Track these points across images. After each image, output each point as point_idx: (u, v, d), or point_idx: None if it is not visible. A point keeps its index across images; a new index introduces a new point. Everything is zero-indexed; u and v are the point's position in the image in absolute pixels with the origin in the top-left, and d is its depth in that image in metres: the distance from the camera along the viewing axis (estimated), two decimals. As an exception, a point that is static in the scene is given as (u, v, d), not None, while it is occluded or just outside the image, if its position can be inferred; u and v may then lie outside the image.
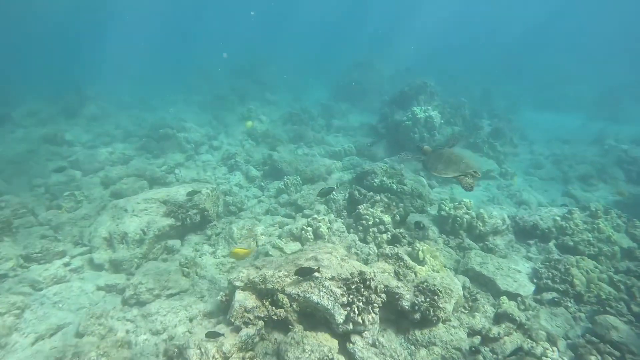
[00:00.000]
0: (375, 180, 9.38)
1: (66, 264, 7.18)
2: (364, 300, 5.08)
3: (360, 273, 5.31)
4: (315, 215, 7.71)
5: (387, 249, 6.15)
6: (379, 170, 9.54)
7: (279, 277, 5.23)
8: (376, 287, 5.20)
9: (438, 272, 6.39)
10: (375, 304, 5.12)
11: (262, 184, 10.45)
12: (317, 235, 7.38)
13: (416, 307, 5.52)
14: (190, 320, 5.75)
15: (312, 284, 5.14)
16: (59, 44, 40.04)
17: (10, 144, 13.11)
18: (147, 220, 7.53)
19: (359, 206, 7.89)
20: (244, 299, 5.10)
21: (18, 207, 8.36)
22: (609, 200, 12.10)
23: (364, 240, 7.64)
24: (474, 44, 38.43)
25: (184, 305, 6.10)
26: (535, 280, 6.95)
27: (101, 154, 11.40)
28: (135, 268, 7.02)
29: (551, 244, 8.24)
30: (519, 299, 6.62)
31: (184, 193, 8.12)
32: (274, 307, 5.12)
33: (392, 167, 9.79)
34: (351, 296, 5.04)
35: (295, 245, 7.26)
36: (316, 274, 5.16)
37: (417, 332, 5.59)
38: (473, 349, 5.48)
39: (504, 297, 6.51)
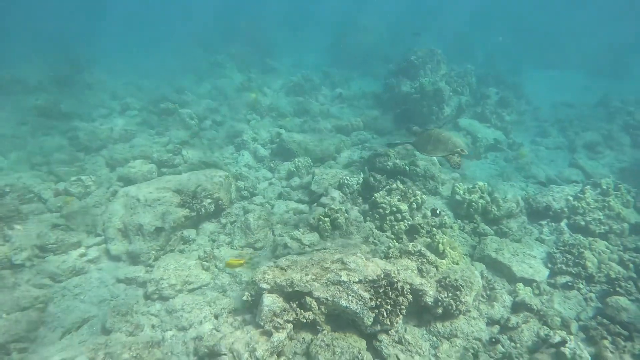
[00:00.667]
0: (388, 163, 9.09)
1: (82, 255, 6.99)
2: (392, 302, 5.03)
3: (387, 275, 5.22)
4: (332, 205, 7.48)
5: (410, 246, 6.03)
6: (392, 153, 9.20)
7: (307, 281, 5.10)
8: (403, 288, 5.13)
9: (457, 263, 6.35)
10: (402, 306, 5.08)
11: (272, 164, 10.08)
12: (335, 226, 7.19)
13: (439, 303, 5.52)
14: (216, 317, 5.69)
15: (341, 288, 5.04)
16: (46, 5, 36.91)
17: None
18: (162, 212, 7.26)
19: (375, 194, 7.66)
20: (272, 303, 5.00)
21: (24, 191, 7.99)
22: (615, 168, 12.04)
23: (380, 229, 7.49)
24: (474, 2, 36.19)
25: (207, 301, 6.02)
26: (549, 265, 6.96)
27: (102, 131, 10.80)
28: (153, 260, 6.88)
29: (563, 223, 8.22)
30: (534, 284, 6.65)
31: (196, 181, 7.79)
32: (302, 310, 5.05)
33: (404, 147, 9.44)
34: (379, 299, 4.98)
35: (314, 236, 7.09)
36: (344, 277, 5.05)
37: (439, 325, 5.63)
38: (493, 339, 5.56)
39: (520, 284, 6.54)
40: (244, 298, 5.43)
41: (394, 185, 7.77)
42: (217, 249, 7.16)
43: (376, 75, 21.58)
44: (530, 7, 29.88)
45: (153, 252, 6.89)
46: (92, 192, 8.28)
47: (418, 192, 7.68)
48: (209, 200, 7.59)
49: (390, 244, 6.59)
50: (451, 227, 7.46)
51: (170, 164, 9.48)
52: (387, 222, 7.50)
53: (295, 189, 9.22)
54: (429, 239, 6.70)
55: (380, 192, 7.80)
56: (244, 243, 7.31)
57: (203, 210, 7.50)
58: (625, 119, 13.91)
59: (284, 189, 9.10)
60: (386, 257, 6.32)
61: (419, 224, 7.02)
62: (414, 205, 7.58)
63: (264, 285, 5.24)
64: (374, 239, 7.25)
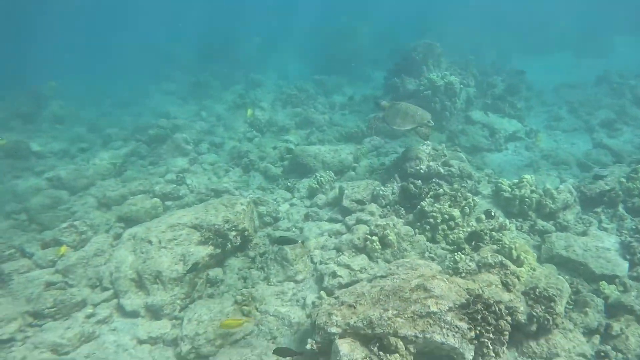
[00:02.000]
0: (421, 166, 8.46)
1: (90, 316, 5.99)
2: (493, 329, 4.30)
3: (478, 297, 4.49)
4: (379, 221, 6.75)
5: (489, 258, 5.33)
6: (424, 155, 8.59)
7: (389, 318, 4.30)
8: (501, 310, 4.42)
9: (535, 269, 5.70)
10: (505, 331, 4.35)
11: (289, 183, 9.28)
12: (385, 244, 6.47)
13: (534, 319, 4.82)
14: (274, 374, 4.79)
15: (431, 321, 4.27)
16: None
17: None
18: (181, 253, 6.33)
19: (422, 203, 6.98)
20: (351, 352, 4.17)
21: (2, 247, 6.88)
22: (636, 143, 11.86)
23: (432, 240, 6.83)
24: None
25: (257, 354, 5.13)
26: (627, 257, 6.40)
27: (87, 168, 9.73)
28: (178, 311, 5.92)
29: (620, 208, 7.75)
30: (617, 280, 6.07)
31: (214, 213, 6.91)
32: (386, 354, 4.24)
33: (434, 147, 8.86)
34: (478, 327, 4.24)
35: (362, 259, 6.35)
36: (433, 307, 4.29)
37: (533, 344, 4.93)
38: (602, 353, 4.92)
39: (604, 283, 5.94)
40: (308, 347, 4.57)
41: (441, 190, 7.12)
42: (253, 287, 6.26)
43: (366, 79, 21.29)
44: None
45: (178, 301, 5.94)
46: (90, 239, 7.23)
47: (469, 195, 7.05)
48: (234, 233, 6.71)
49: (456, 257, 5.88)
50: (509, 229, 6.83)
51: (175, 195, 8.55)
52: (440, 232, 6.85)
53: (323, 208, 8.45)
54: (496, 246, 6.04)
55: (427, 199, 7.13)
56: (283, 277, 6.44)
57: (229, 245, 6.61)
58: (634, 92, 13.91)
59: (310, 209, 8.30)
60: (456, 273, 5.61)
61: (481, 230, 6.35)
62: (467, 210, 6.94)
63: (334, 330, 4.42)
64: (430, 253, 6.58)
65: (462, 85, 12.22)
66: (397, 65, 13.93)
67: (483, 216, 6.95)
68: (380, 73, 22.09)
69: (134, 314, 6.00)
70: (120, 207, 8.04)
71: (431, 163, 8.58)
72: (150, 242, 6.53)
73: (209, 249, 6.47)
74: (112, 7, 44.42)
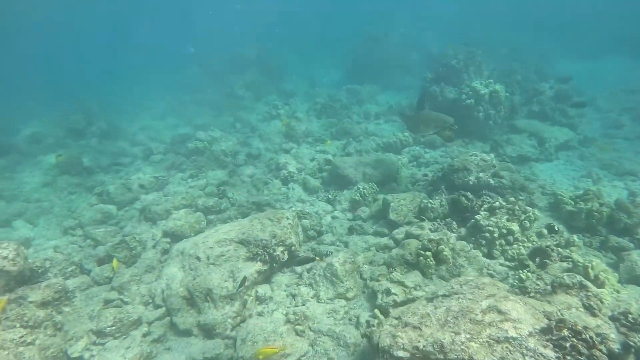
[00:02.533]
0: (470, 178, 8.15)
1: (146, 334, 6.00)
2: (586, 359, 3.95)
3: (561, 321, 4.16)
4: (431, 235, 6.49)
5: (566, 277, 4.96)
6: (472, 166, 8.28)
7: (462, 342, 4.04)
8: (592, 338, 4.06)
9: (619, 291, 5.27)
10: (599, 362, 3.99)
11: (330, 195, 9.16)
12: (440, 260, 6.18)
13: (631, 349, 4.40)
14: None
15: (511, 347, 3.97)
16: (42, 57, 37.63)
17: (21, 178, 11.63)
18: (230, 269, 6.29)
19: (477, 216, 6.68)
20: (424, 379, 3.93)
21: (65, 264, 7.08)
22: None
23: (488, 256, 6.50)
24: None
25: (316, 378, 4.95)
26: None
27: (132, 182, 9.99)
28: (230, 330, 5.84)
29: None
30: None
31: (260, 227, 6.85)
32: (461, 383, 3.98)
33: (483, 158, 8.52)
34: (569, 357, 3.90)
35: (416, 276, 6.10)
36: (512, 332, 4.00)
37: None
38: None
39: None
40: (372, 372, 4.35)
41: (497, 203, 6.78)
42: (304, 305, 6.11)
43: (398, 87, 21.05)
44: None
45: (229, 320, 5.87)
46: (140, 254, 7.34)
47: (528, 208, 6.67)
48: (281, 248, 6.63)
49: (522, 275, 5.52)
50: (577, 245, 6.39)
51: (217, 209, 8.59)
52: (497, 247, 6.51)
53: (367, 220, 8.26)
54: (566, 264, 5.65)
55: (481, 212, 6.81)
56: (333, 294, 6.27)
57: (277, 261, 6.52)
58: None
59: (354, 223, 8.12)
60: (524, 292, 5.26)
61: (547, 246, 5.97)
62: (526, 224, 6.56)
63: (401, 354, 4.19)
64: (488, 269, 6.25)
65: (507, 94, 11.79)
66: (435, 73, 13.65)
67: (545, 231, 6.55)
68: (412, 80, 21.89)
69: (187, 333, 5.97)
70: (165, 222, 8.15)
71: (480, 174, 8.25)
72: (198, 258, 6.54)
73: (257, 266, 6.41)
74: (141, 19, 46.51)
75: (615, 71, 19.32)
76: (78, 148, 13.22)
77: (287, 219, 7.05)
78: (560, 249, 6.07)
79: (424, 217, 7.52)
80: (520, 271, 5.63)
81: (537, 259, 5.98)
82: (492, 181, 8.12)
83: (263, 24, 35.69)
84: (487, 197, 7.24)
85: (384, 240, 7.46)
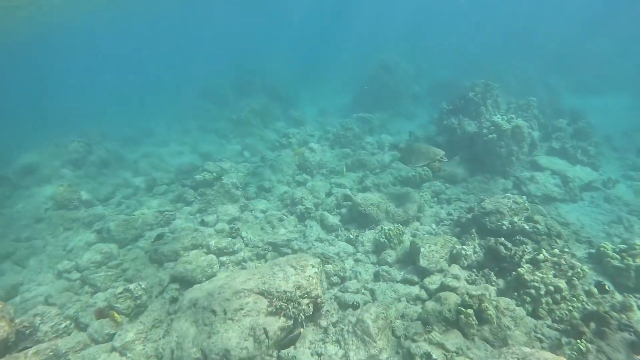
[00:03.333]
0: (504, 222, 7.72)
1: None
2: None
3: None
4: (471, 290, 5.98)
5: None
6: (506, 209, 7.86)
7: None
8: None
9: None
10: None
11: (351, 235, 8.67)
12: (482, 319, 5.65)
13: None
14: None
15: None
16: (36, 85, 37.74)
17: (11, 213, 11.02)
18: (250, 326, 5.70)
19: (520, 270, 6.20)
20: None
21: (58, 319, 6.45)
22: None
23: (533, 314, 5.99)
24: (482, 30, 37.11)
25: None
26: None
27: (135, 219, 9.44)
28: (251, 401, 5.20)
29: None
30: None
31: (282, 276, 6.31)
32: None
33: (515, 201, 8.12)
34: None
35: (457, 337, 5.57)
36: None
37: None
38: None
39: None
40: None
41: (541, 256, 6.32)
42: (334, 369, 5.51)
43: (408, 115, 20.94)
44: (547, 33, 30.15)
45: (250, 389, 5.24)
46: (145, 304, 6.73)
47: (576, 263, 6.21)
48: (306, 301, 6.06)
49: (580, 346, 5.01)
50: (634, 311, 5.90)
51: (230, 250, 8.04)
52: (543, 305, 6.00)
53: (393, 265, 7.73)
54: (629, 335, 5.14)
55: (523, 264, 6.34)
56: (365, 355, 5.67)
57: (302, 316, 5.95)
58: None
59: (380, 268, 7.60)
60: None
61: (606, 312, 5.46)
62: (575, 281, 6.08)
63: None
64: (536, 332, 5.72)
65: (530, 130, 11.56)
66: (453, 105, 13.46)
67: (595, 290, 6.08)
68: (422, 109, 21.84)
69: (201, 403, 5.34)
70: (174, 266, 7.57)
71: (514, 218, 7.82)
72: (214, 312, 5.95)
73: (280, 322, 5.83)
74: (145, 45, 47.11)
75: (623, 109, 19.34)
76: (75, 179, 12.69)
77: (312, 267, 6.51)
78: (615, 314, 5.58)
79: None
80: (579, 341, 5.12)
81: (593, 325, 5.47)
82: (526, 226, 7.68)
83: (267, 45, 36.16)
84: (527, 247, 6.78)
85: (415, 290, 6.93)
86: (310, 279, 6.31)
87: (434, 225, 9.31)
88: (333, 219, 9.37)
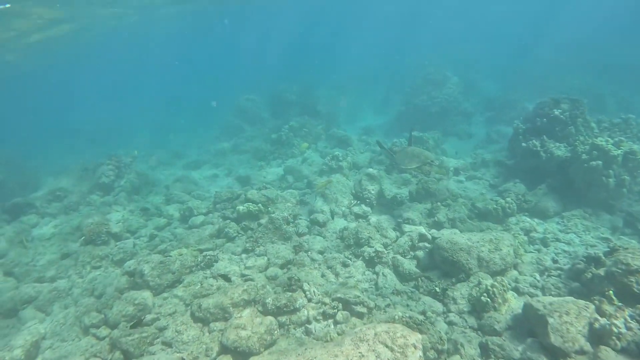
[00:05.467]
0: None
1: None
2: None
3: None
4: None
5: None
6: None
7: None
8: None
9: None
10: None
11: (437, 289, 7.02)
12: None
13: None
14: None
15: None
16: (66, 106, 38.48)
17: (35, 247, 9.99)
18: None
19: None
20: None
21: None
22: None
23: None
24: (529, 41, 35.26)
25: None
26: None
27: (173, 261, 8.12)
28: None
29: None
30: None
31: (375, 355, 4.74)
32: None
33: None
34: None
35: None
36: None
37: None
38: None
39: None
40: None
41: None
42: None
43: (461, 135, 19.26)
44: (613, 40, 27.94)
45: None
46: (190, 383, 5.28)
47: None
48: (411, 397, 4.45)
49: None
50: None
51: (290, 308, 6.53)
52: None
53: (502, 334, 6.03)
54: None
55: None
56: None
57: None
58: None
59: (488, 340, 5.90)
60: None
61: None
62: None
63: None
64: None
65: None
66: (532, 123, 11.75)
67: None
68: (475, 128, 20.13)
69: None
70: (224, 333, 6.09)
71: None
72: (287, 411, 4.42)
73: None
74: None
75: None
76: (103, 206, 11.66)
77: (414, 347, 4.91)
78: None
79: None
80: None
81: None
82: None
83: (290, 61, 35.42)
84: None
85: (546, 377, 5.20)
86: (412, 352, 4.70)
87: (537, 276, 7.55)
88: (409, 265, 7.76)
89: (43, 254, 9.40)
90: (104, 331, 6.88)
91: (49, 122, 33.64)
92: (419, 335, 5.17)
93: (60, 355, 6.49)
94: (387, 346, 4.94)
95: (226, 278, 6.64)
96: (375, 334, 5.17)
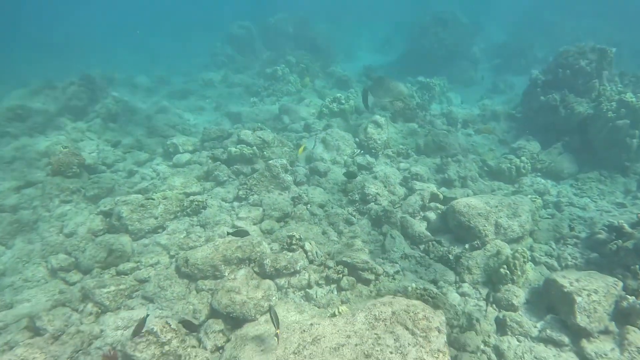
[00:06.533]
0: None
1: None
2: None
3: None
4: None
5: None
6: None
7: None
8: None
9: None
10: None
11: (450, 255, 6.32)
12: None
13: None
14: None
15: None
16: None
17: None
18: None
19: None
20: None
21: None
22: None
23: None
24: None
25: None
26: None
27: (156, 205, 7.07)
28: None
29: None
30: None
31: (393, 344, 4.06)
32: None
33: None
34: None
35: None
36: None
37: None
38: None
39: None
40: None
41: None
42: None
43: (465, 82, 17.88)
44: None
45: None
46: (178, 355, 4.53)
47: None
48: (435, 392, 3.83)
49: None
50: None
51: (290, 270, 5.72)
52: None
53: (519, 309, 5.48)
54: None
55: None
56: None
57: (431, 420, 3.75)
58: None
59: (506, 315, 5.31)
60: None
61: None
62: None
63: None
64: None
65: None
66: (553, 74, 10.58)
67: None
68: (478, 74, 18.63)
69: None
70: (215, 295, 5.27)
71: None
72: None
73: None
74: None
75: None
76: (74, 132, 10.19)
77: (438, 332, 4.21)
78: None
79: None
80: None
81: None
82: None
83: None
84: None
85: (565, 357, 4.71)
86: (439, 354, 4.02)
87: (553, 245, 6.95)
88: (419, 227, 6.98)
89: (2, 178, 8.15)
90: (74, 276, 6.01)
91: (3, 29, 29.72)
92: (443, 317, 4.47)
93: (23, 297, 5.64)
94: (407, 328, 4.23)
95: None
96: (393, 313, 4.43)
